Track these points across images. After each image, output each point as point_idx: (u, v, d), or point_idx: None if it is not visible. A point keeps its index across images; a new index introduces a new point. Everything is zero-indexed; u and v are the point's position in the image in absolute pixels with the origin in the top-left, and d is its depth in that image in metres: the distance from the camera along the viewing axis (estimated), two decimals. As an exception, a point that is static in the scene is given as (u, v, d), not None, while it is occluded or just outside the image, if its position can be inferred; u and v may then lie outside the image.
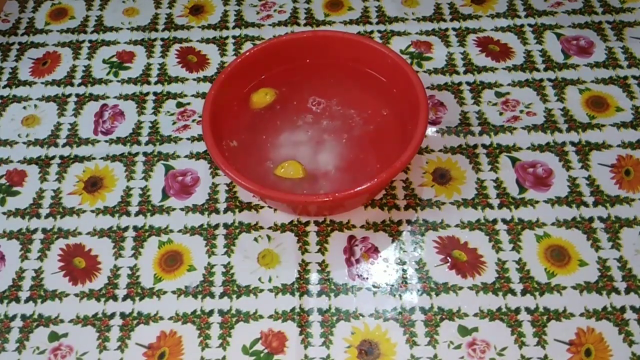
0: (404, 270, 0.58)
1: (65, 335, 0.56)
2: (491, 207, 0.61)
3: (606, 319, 0.54)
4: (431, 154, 0.65)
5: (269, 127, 0.63)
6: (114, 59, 0.76)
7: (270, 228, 0.61)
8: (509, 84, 0.70)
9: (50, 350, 0.55)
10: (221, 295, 0.57)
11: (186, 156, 0.66)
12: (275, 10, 0.79)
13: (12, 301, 0.58)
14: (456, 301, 0.56)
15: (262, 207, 0.62)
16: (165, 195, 0.64)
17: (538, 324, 0.54)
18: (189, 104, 0.71)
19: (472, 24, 0.76)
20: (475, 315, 0.55)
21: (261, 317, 0.56)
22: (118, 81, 0.73)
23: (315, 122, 0.63)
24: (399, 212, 0.61)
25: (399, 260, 0.58)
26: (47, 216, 0.63)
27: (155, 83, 0.73)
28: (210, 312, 0.56)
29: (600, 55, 0.72)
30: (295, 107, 0.65)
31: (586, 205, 0.61)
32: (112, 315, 0.57)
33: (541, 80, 0.70)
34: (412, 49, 0.74)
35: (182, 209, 0.62)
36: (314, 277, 0.58)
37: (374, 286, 0.57)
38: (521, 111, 0.68)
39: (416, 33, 0.75)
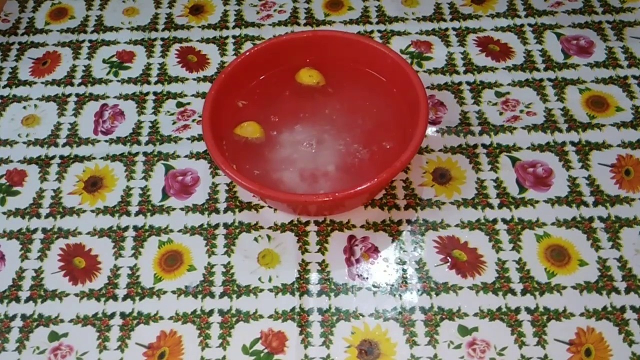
0: (404, 270, 0.58)
1: (65, 335, 0.56)
2: (491, 207, 0.61)
3: (606, 319, 0.54)
4: (431, 153, 0.65)
5: (270, 125, 0.63)
6: (114, 59, 0.76)
7: (270, 228, 0.61)
8: (509, 84, 0.70)
9: (50, 350, 0.55)
10: (221, 295, 0.57)
11: (186, 156, 0.66)
12: (275, 10, 0.79)
13: (12, 301, 0.58)
14: (456, 301, 0.56)
15: (262, 207, 0.62)
16: (165, 195, 0.64)
17: (538, 323, 0.54)
18: (189, 103, 0.71)
19: (472, 23, 0.76)
20: (475, 315, 0.55)
21: (261, 316, 0.56)
22: (118, 81, 0.73)
23: (315, 122, 0.63)
24: (399, 212, 0.61)
25: (399, 260, 0.58)
26: (47, 216, 0.63)
27: (155, 83, 0.73)
28: (210, 312, 0.56)
29: (600, 55, 0.72)
30: (295, 106, 0.64)
31: (586, 205, 0.61)
32: (112, 315, 0.57)
33: (541, 80, 0.70)
34: (412, 49, 0.74)
35: (182, 209, 0.62)
36: (314, 276, 0.58)
37: (374, 286, 0.57)
38: (521, 111, 0.68)
39: (416, 33, 0.75)
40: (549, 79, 0.70)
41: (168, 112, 0.70)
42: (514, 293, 0.56)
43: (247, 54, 0.64)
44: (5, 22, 0.81)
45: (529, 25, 0.75)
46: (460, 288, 0.56)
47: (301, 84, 0.65)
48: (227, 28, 0.78)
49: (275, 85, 0.66)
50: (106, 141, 0.68)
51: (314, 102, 0.65)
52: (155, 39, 0.77)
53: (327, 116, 0.63)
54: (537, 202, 0.61)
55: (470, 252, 0.58)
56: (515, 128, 0.66)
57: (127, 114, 0.70)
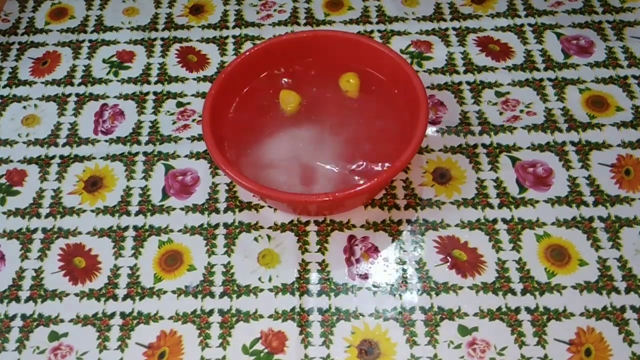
0: (404, 270, 0.58)
1: (65, 335, 0.56)
2: (491, 206, 0.61)
3: (606, 319, 0.54)
4: (431, 153, 0.65)
5: (269, 125, 0.63)
6: (114, 59, 0.76)
7: (270, 228, 0.61)
8: (509, 84, 0.70)
9: (50, 350, 0.55)
10: (221, 295, 0.57)
11: (186, 156, 0.66)
12: (275, 10, 0.79)
13: (12, 301, 0.58)
14: (456, 301, 0.56)
15: (262, 207, 0.62)
16: (165, 195, 0.64)
17: (538, 323, 0.54)
18: (189, 103, 0.71)
19: (472, 23, 0.76)
20: (475, 315, 0.55)
21: (261, 316, 0.56)
22: (118, 81, 0.73)
23: (315, 121, 0.63)
24: (399, 212, 0.61)
25: (399, 260, 0.58)
26: (47, 216, 0.63)
27: (155, 83, 0.73)
28: (210, 312, 0.56)
29: (601, 55, 0.72)
30: (295, 106, 0.64)
31: (586, 205, 0.61)
32: (112, 315, 0.57)
33: (541, 79, 0.70)
34: (412, 49, 0.74)
35: (182, 209, 0.62)
36: (314, 276, 0.58)
37: (374, 286, 0.57)
38: (521, 111, 0.68)
39: (416, 33, 0.75)
40: (549, 79, 0.70)
41: (168, 112, 0.70)
42: (514, 293, 0.56)
43: (247, 53, 0.64)
44: (5, 22, 0.81)
45: (529, 25, 0.75)
46: (460, 288, 0.56)
47: (344, 90, 0.65)
48: (227, 28, 0.78)
49: (314, 79, 0.66)
50: (106, 141, 0.68)
51: (322, 101, 0.64)
52: (155, 39, 0.77)
53: (327, 115, 0.63)
54: (537, 202, 0.61)
55: (470, 252, 0.58)
56: (515, 128, 0.66)
57: (127, 114, 0.70)
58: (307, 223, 0.61)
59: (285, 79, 0.66)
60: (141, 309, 0.57)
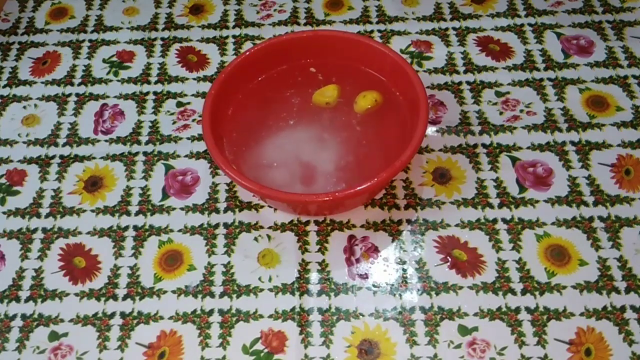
0: (404, 270, 0.58)
1: (65, 334, 0.56)
2: (491, 206, 0.61)
3: (606, 319, 0.54)
4: (431, 153, 0.65)
5: (270, 125, 0.63)
6: (114, 59, 0.76)
7: (270, 227, 0.61)
8: (509, 84, 0.70)
9: (50, 349, 0.55)
10: (221, 295, 0.57)
11: (186, 156, 0.66)
12: (275, 10, 0.79)
13: (12, 301, 0.58)
14: (456, 301, 0.56)
15: (262, 207, 0.62)
16: (165, 195, 0.64)
17: (538, 323, 0.54)
18: (189, 103, 0.71)
19: (472, 23, 0.76)
20: (475, 314, 0.55)
21: (261, 316, 0.56)
22: (118, 81, 0.73)
23: (315, 120, 0.63)
24: (399, 212, 0.61)
25: (399, 260, 0.58)
26: (47, 216, 0.63)
27: (155, 82, 0.73)
28: (211, 312, 0.56)
29: (601, 55, 0.72)
30: (296, 106, 0.64)
31: (586, 204, 0.61)
32: (112, 314, 0.57)
33: (541, 79, 0.70)
34: (412, 49, 0.74)
35: (182, 209, 0.62)
36: (314, 276, 0.58)
37: (374, 286, 0.57)
38: (521, 111, 0.68)
39: (416, 32, 0.75)
40: (549, 79, 0.70)
41: (168, 111, 0.70)
42: (514, 293, 0.56)
43: (247, 53, 0.64)
44: (5, 22, 0.81)
45: (529, 24, 0.75)
46: (460, 288, 0.56)
47: (362, 110, 0.63)
48: (227, 28, 0.78)
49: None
50: (106, 141, 0.68)
51: (314, 105, 0.65)
52: (155, 39, 0.77)
53: (327, 114, 0.63)
54: (537, 201, 0.61)
55: (470, 251, 0.58)
56: (515, 128, 0.66)
57: (127, 114, 0.70)
58: (307, 223, 0.61)
59: (312, 69, 0.66)
60: (141, 308, 0.57)
